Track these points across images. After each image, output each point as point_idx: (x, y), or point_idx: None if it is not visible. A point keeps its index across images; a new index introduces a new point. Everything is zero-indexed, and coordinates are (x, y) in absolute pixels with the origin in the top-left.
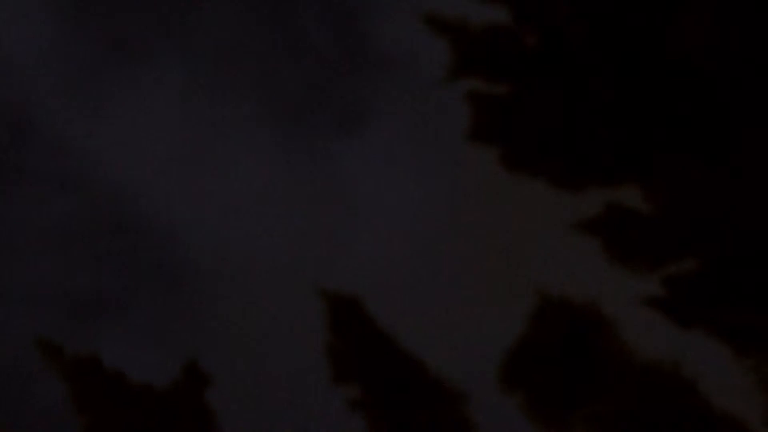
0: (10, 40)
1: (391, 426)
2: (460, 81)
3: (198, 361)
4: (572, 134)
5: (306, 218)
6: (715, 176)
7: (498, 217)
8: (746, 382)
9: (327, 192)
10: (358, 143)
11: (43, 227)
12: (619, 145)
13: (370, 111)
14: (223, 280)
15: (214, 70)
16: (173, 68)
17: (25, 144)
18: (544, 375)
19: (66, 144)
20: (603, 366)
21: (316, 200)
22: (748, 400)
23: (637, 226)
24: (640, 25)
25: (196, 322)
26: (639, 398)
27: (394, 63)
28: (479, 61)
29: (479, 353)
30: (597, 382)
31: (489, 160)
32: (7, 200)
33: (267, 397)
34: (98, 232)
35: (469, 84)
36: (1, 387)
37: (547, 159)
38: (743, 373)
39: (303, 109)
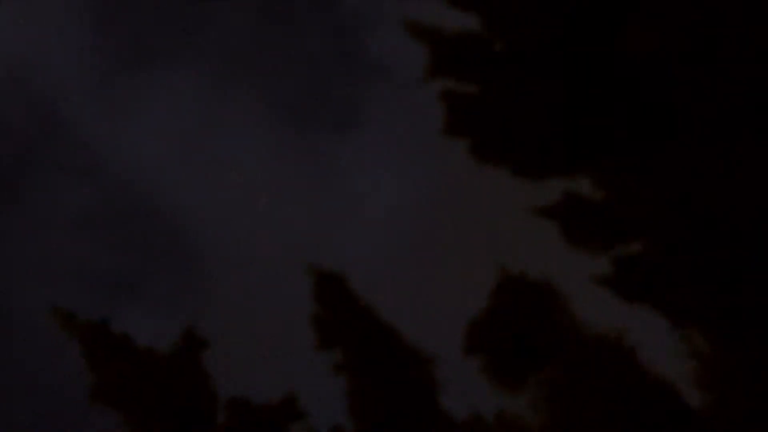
0: (42, 47)
1: (370, 386)
2: (436, 81)
3: (197, 328)
4: (533, 130)
5: (301, 206)
6: (656, 169)
7: (467, 203)
8: (679, 350)
9: (321, 182)
10: (351, 139)
11: (68, 212)
12: (574, 140)
13: (362, 111)
14: (225, 259)
15: (223, 75)
16: (187, 72)
17: (54, 139)
18: (503, 343)
19: (90, 139)
20: (555, 335)
21: (312, 190)
22: (680, 366)
23: (589, 213)
24: (593, 34)
25: (200, 295)
26: (586, 363)
27: (382, 69)
28: (452, 64)
29: (447, 323)
30: (550, 349)
31: (460, 152)
32: (38, 188)
33: (259, 360)
34: (116, 217)
35: (443, 84)
36: (26, 350)
37: (511, 151)
38: (677, 343)
39: (303, 110)
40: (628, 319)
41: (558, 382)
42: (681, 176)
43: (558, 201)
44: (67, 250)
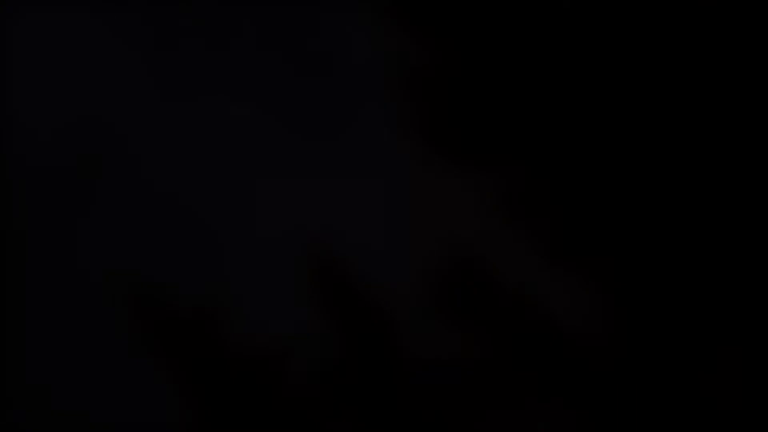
0: (104, 79)
1: (348, 337)
2: (406, 96)
3: (213, 290)
4: (482, 136)
5: (299, 196)
6: (576, 161)
7: (428, 193)
8: (590, 307)
9: (317, 177)
10: (343, 141)
11: (116, 211)
12: (512, 144)
13: (351, 120)
14: (238, 239)
15: (242, 96)
16: (211, 98)
17: (109, 152)
18: (451, 303)
19: (137, 150)
20: (493, 294)
21: (308, 182)
22: (591, 321)
23: (524, 199)
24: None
25: (217, 267)
26: (513, 316)
27: (367, 85)
28: (417, 83)
29: (413, 285)
30: (489, 304)
31: (424, 153)
32: (97, 195)
33: (266, 321)
34: (152, 210)
35: (410, 99)
36: (82, 316)
37: (464, 152)
38: (587, 301)
39: (304, 119)
40: (548, 280)
41: (491, 330)
42: (596, 166)
43: (500, 190)
44: (115, 240)
